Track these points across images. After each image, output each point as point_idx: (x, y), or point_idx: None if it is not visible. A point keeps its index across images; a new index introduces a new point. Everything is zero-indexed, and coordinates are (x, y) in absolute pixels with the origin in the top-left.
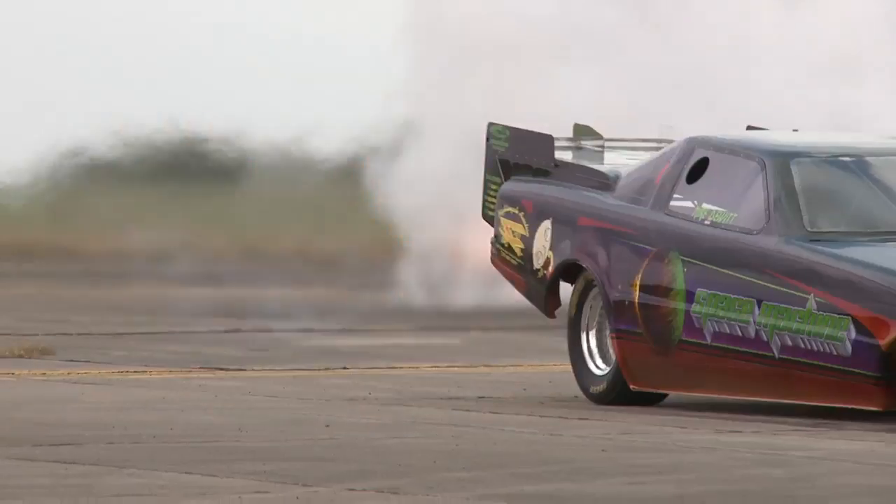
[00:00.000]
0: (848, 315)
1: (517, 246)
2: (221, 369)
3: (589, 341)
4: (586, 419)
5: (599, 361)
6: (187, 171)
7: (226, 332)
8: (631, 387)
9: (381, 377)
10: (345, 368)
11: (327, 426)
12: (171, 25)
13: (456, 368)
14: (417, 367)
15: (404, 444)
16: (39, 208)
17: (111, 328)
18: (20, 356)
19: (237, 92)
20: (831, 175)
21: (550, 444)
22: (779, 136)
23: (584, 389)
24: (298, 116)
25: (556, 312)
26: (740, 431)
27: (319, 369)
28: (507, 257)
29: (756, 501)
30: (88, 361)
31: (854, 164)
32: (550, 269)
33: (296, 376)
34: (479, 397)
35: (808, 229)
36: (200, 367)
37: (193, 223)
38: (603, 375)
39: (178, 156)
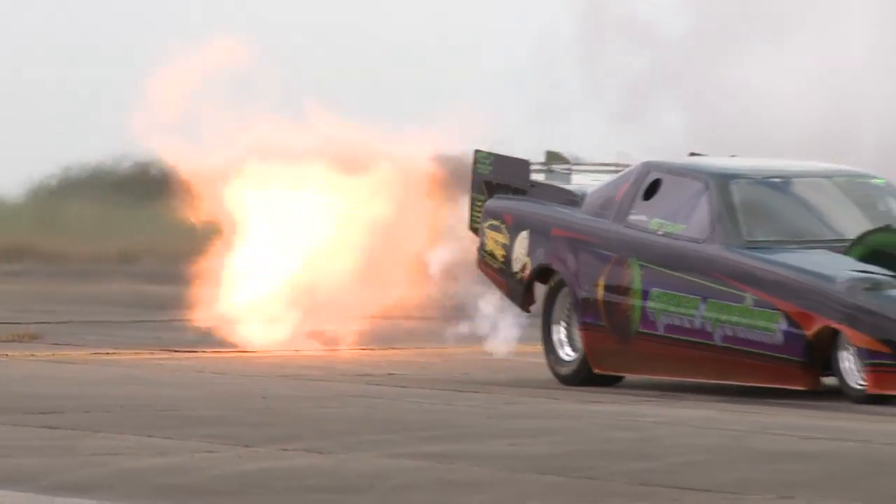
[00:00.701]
0: (779, 310)
1: (499, 253)
2: (177, 351)
3: (559, 332)
4: (476, 392)
5: (568, 349)
6: (152, 186)
7: (181, 320)
8: (595, 371)
9: (308, 358)
10: (277, 351)
11: (264, 398)
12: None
13: (369, 351)
14: (337, 350)
15: (327, 413)
16: (29, 218)
17: (88, 317)
18: (13, 340)
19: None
20: (764, 193)
21: (446, 413)
22: (720, 160)
23: (555, 373)
24: None
25: (532, 308)
26: (600, 402)
27: (257, 351)
28: (491, 262)
29: (613, 458)
30: (69, 345)
31: (783, 185)
32: (527, 272)
33: (238, 357)
34: (388, 374)
35: (746, 238)
36: (160, 349)
37: (157, 231)
38: (571, 361)
39: (144, 173)
